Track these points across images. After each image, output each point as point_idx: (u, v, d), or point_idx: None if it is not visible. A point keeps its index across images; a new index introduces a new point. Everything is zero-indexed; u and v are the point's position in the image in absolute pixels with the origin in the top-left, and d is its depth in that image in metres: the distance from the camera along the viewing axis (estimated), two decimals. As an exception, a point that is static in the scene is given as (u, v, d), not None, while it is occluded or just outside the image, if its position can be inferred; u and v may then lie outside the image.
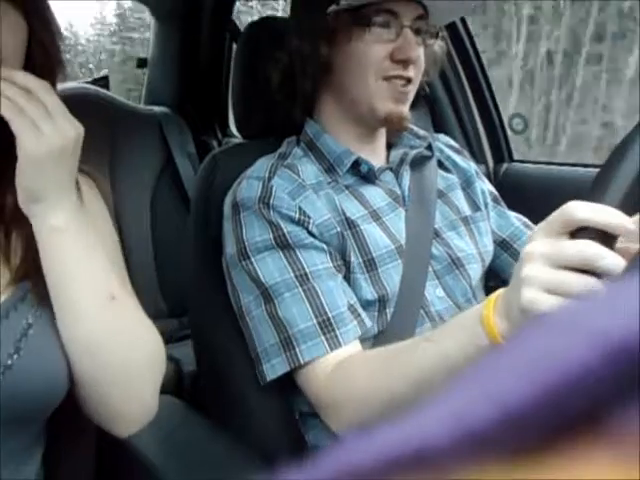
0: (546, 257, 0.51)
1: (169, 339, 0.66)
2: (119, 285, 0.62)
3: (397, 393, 0.65)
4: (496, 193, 1.02)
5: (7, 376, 0.56)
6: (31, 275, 0.60)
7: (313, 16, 0.85)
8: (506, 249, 0.97)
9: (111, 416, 0.64)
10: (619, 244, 0.51)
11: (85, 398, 0.63)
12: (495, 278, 0.98)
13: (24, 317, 0.59)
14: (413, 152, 0.92)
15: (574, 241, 0.50)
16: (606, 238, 0.50)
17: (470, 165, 1.01)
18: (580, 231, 0.50)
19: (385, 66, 0.82)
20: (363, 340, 0.79)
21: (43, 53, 0.60)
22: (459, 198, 0.95)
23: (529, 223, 0.99)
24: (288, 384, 0.79)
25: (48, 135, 0.54)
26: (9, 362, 0.57)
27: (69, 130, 0.56)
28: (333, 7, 0.82)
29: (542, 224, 0.53)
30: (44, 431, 0.66)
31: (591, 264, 0.49)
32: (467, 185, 0.98)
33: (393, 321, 0.81)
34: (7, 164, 0.60)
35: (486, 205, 0.98)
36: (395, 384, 0.66)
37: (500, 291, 0.59)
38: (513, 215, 1.00)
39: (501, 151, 1.47)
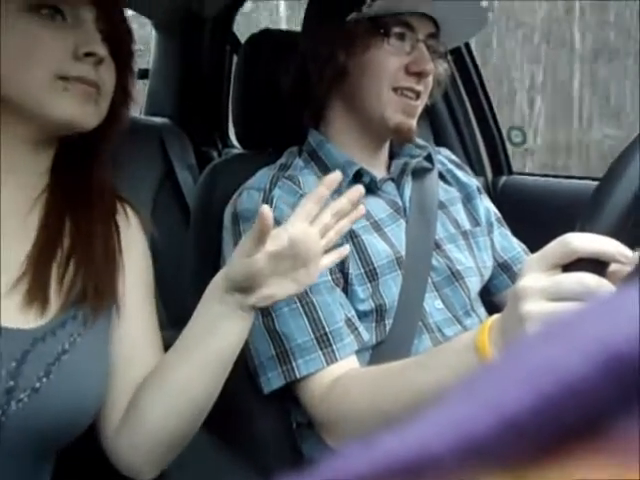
0: (544, 291, 0.51)
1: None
2: None
3: (391, 415, 0.65)
4: (499, 215, 1.02)
5: (33, 399, 0.55)
6: (80, 304, 0.61)
7: (331, 22, 0.86)
8: (506, 271, 0.97)
9: (157, 463, 0.66)
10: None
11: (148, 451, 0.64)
12: (491, 295, 0.99)
13: (60, 343, 0.59)
14: (414, 162, 0.92)
15: (569, 274, 0.51)
16: (597, 267, 0.50)
17: (472, 181, 1.01)
18: (571, 263, 0.51)
19: (398, 77, 0.83)
20: (361, 351, 0.79)
21: (122, 90, 0.66)
22: (459, 212, 0.95)
23: (527, 250, 1.00)
24: (286, 395, 0.79)
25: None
26: (37, 385, 0.56)
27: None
28: (353, 15, 0.83)
29: (534, 258, 0.54)
30: (51, 465, 0.65)
31: (589, 295, 0.49)
32: (468, 200, 0.98)
33: (392, 332, 0.80)
34: (71, 191, 0.65)
35: (491, 224, 0.99)
36: (388, 406, 0.66)
37: (494, 318, 0.59)
38: (515, 240, 1.01)
39: (500, 164, 1.48)
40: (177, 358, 0.63)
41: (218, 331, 0.61)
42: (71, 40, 0.59)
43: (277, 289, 0.60)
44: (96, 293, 0.62)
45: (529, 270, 0.53)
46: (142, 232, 0.72)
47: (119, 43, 0.65)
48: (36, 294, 0.59)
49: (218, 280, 0.61)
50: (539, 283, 0.52)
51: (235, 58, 1.64)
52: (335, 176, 0.62)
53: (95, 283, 0.62)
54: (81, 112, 0.59)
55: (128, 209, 0.71)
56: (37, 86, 0.58)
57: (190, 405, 0.62)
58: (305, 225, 0.60)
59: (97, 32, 0.61)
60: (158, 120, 1.61)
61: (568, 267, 0.51)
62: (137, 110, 1.76)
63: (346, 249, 0.66)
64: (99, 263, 0.64)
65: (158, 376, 0.63)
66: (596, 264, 0.50)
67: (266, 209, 0.55)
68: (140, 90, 1.75)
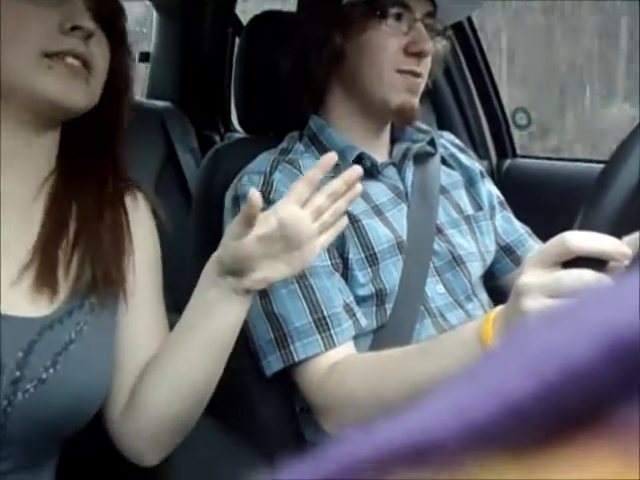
0: (544, 288, 0.52)
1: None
2: None
3: (391, 402, 0.65)
4: (502, 198, 1.02)
5: (39, 389, 0.55)
6: (88, 294, 0.61)
7: (328, 5, 0.85)
8: (509, 254, 0.97)
9: (161, 448, 0.66)
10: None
11: (151, 435, 0.64)
12: (495, 280, 0.98)
13: (67, 332, 0.58)
14: (416, 146, 0.91)
15: (569, 271, 0.51)
16: (597, 264, 0.51)
17: (475, 165, 1.00)
18: (571, 260, 0.52)
19: (399, 59, 0.82)
20: (362, 335, 0.79)
21: (120, 70, 0.66)
22: (462, 196, 0.95)
23: (531, 232, 0.99)
24: (289, 380, 0.79)
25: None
26: (44, 375, 0.55)
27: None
28: None
29: (534, 255, 0.55)
30: (58, 452, 0.65)
31: None
32: (470, 184, 0.98)
33: (393, 316, 0.81)
34: (77, 177, 0.65)
35: (493, 207, 0.98)
36: (389, 393, 0.66)
37: (498, 309, 0.60)
38: (518, 223, 1.00)
39: (504, 146, 1.47)
40: (176, 343, 0.63)
41: (214, 315, 0.61)
42: (57, 15, 0.58)
43: (270, 272, 0.60)
44: (105, 280, 0.62)
45: (530, 267, 0.54)
46: (150, 217, 0.71)
47: (111, 20, 0.63)
48: (45, 279, 0.58)
49: (211, 264, 0.61)
50: (539, 280, 0.52)
51: (237, 40, 1.63)
52: (329, 158, 0.61)
53: (104, 270, 0.62)
54: (66, 89, 0.58)
55: (137, 193, 0.70)
56: (23, 64, 0.57)
57: (192, 390, 0.63)
58: (296, 208, 0.59)
59: (84, 8, 0.60)
60: (160, 103, 1.60)
61: (568, 263, 0.52)
62: (139, 93, 1.75)
63: (343, 222, 0.65)
64: (107, 249, 0.63)
65: (159, 360, 0.63)
66: (596, 260, 0.51)
67: (255, 193, 0.55)
68: (142, 73, 1.75)
